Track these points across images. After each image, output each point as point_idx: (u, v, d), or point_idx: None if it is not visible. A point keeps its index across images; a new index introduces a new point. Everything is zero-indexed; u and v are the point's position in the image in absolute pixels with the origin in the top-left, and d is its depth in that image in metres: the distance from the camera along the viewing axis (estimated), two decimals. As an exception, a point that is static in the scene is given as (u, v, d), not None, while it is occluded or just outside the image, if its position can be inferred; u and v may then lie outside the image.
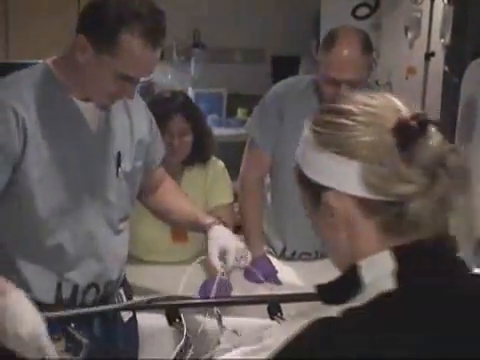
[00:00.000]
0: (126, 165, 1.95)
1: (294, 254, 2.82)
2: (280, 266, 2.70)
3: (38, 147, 1.76)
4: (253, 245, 2.63)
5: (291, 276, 2.67)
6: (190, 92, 4.79)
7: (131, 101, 1.93)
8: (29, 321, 1.54)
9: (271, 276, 2.59)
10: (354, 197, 1.01)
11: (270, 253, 2.79)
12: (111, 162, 1.91)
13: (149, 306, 1.94)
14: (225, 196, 2.69)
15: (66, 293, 1.86)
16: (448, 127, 3.39)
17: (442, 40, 3.55)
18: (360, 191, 1.00)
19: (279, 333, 1.01)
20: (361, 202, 1.01)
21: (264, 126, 2.69)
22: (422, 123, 0.99)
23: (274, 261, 2.71)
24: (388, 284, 0.99)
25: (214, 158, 2.70)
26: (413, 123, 0.99)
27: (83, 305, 1.87)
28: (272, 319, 1.92)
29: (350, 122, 1.02)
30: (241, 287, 2.45)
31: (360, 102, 1.04)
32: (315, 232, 1.13)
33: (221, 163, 2.72)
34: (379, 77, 3.75)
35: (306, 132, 1.09)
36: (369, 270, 1.00)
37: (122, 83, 1.76)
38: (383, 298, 0.98)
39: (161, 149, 2.17)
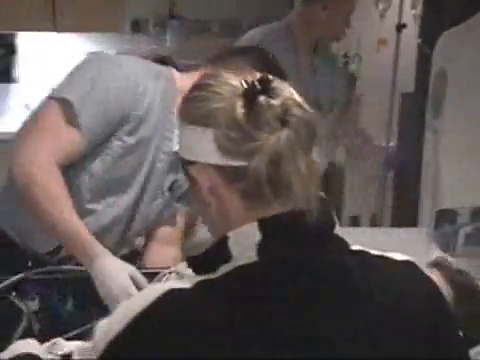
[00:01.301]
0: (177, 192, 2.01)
1: None
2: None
3: None
4: None
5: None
6: (166, 64, 4.75)
7: None
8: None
9: None
10: (214, 166, 1.02)
11: None
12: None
13: None
14: None
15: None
16: (422, 101, 3.37)
17: (413, 11, 3.51)
18: (218, 158, 1.01)
19: (140, 297, 1.02)
20: (221, 170, 1.02)
21: None
22: (264, 81, 1.00)
23: None
24: (252, 256, 0.99)
25: None
26: (256, 83, 1.00)
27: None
28: None
29: (205, 93, 1.05)
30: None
31: (220, 76, 1.06)
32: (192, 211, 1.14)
33: None
34: (348, 49, 3.72)
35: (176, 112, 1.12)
36: (236, 242, 1.00)
37: None
38: (238, 270, 0.98)
39: None
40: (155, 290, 0.99)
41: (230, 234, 1.01)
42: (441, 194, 3.28)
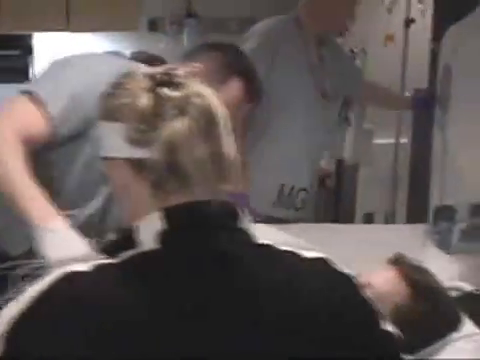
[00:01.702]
0: None
1: (292, 190, 2.86)
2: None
3: None
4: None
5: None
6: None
7: None
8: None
9: None
10: (125, 159, 1.05)
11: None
12: None
13: None
14: None
15: None
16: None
17: (420, 6, 3.47)
18: (128, 151, 1.04)
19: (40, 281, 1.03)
20: (132, 163, 1.04)
21: (256, 64, 2.72)
22: (168, 75, 1.05)
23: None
24: (154, 244, 1.01)
25: None
26: (159, 76, 1.05)
27: None
28: None
29: (115, 90, 1.10)
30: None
31: (132, 73, 1.10)
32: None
33: None
34: (354, 44, 3.68)
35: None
36: (141, 230, 1.03)
37: None
38: (139, 256, 1.01)
39: None
40: (54, 273, 1.01)
41: (136, 223, 1.04)
42: (448, 190, 3.24)
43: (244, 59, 1.95)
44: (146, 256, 1.01)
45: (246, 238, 1.07)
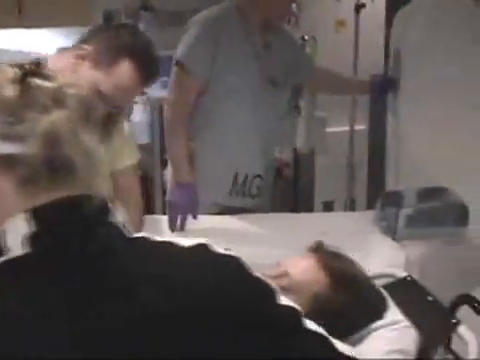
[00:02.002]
0: None
1: (246, 177, 2.86)
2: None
3: None
4: (179, 172, 2.77)
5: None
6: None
7: None
8: None
9: (189, 207, 2.68)
10: None
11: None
12: None
13: None
14: (132, 156, 2.66)
15: None
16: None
17: (368, -10, 3.44)
18: None
19: None
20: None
21: (198, 53, 2.72)
22: (37, 65, 1.00)
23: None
24: (24, 248, 0.95)
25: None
26: (27, 66, 1.00)
27: None
28: None
29: None
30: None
31: (2, 65, 1.04)
32: None
33: (127, 123, 2.69)
34: (304, 32, 3.64)
35: None
36: (10, 234, 0.96)
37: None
38: (7, 263, 0.95)
39: None
40: None
41: (5, 227, 0.97)
42: (402, 176, 3.24)
43: (139, 40, 1.88)
44: (14, 263, 0.95)
45: (118, 232, 1.03)
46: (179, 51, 2.77)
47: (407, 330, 1.56)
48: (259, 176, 2.92)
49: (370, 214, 2.74)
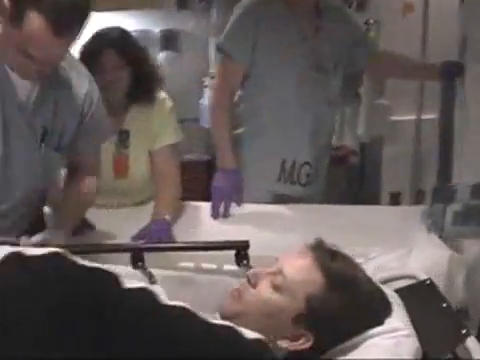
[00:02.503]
0: (52, 141, 1.98)
1: (294, 165, 2.81)
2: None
3: None
4: (223, 158, 2.76)
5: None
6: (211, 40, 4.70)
7: (73, 76, 1.97)
8: None
9: (232, 192, 2.68)
10: None
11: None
12: (35, 135, 1.95)
13: (114, 250, 2.01)
14: (171, 136, 2.72)
15: None
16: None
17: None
18: None
19: None
20: None
21: (239, 39, 2.70)
22: None
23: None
24: None
25: (164, 97, 2.74)
26: None
27: None
28: (134, 268, 1.91)
29: None
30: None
31: None
32: None
33: (169, 102, 2.77)
34: (369, 16, 3.50)
35: None
36: None
37: (24, 59, 1.74)
38: None
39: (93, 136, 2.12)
40: None
41: None
42: (466, 168, 3.09)
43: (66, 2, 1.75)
44: None
45: None
46: (221, 37, 2.75)
47: (405, 339, 1.46)
48: (307, 163, 2.84)
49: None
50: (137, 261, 1.94)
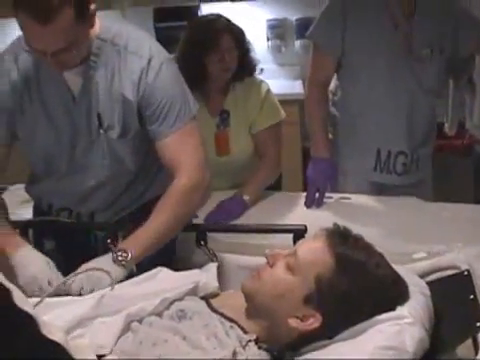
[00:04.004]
0: (111, 126, 2.07)
1: (390, 154, 2.83)
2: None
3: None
4: (317, 147, 2.81)
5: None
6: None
7: (120, 64, 2.02)
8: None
9: (326, 181, 2.77)
10: None
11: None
12: (92, 124, 2.08)
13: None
14: (267, 119, 2.87)
15: None
16: None
17: None
18: None
19: None
20: None
21: (327, 31, 2.74)
22: None
23: None
24: None
25: (260, 80, 2.94)
26: None
27: None
28: (198, 247, 2.08)
29: None
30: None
31: None
32: None
33: (265, 85, 2.93)
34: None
35: None
36: None
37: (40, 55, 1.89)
38: None
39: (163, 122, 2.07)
40: None
41: None
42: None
43: None
44: None
45: None
46: (311, 28, 2.78)
47: (409, 327, 1.49)
48: (403, 153, 2.83)
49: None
50: (200, 240, 2.07)
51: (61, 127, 2.08)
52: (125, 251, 1.89)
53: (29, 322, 1.11)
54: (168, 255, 2.12)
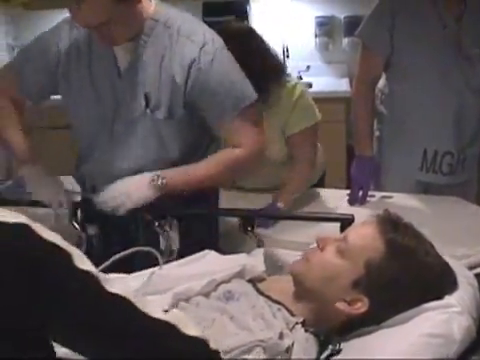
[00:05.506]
0: (157, 106, 2.08)
1: (436, 154, 2.81)
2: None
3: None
4: (361, 145, 2.83)
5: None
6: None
7: (171, 46, 2.05)
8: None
9: (369, 180, 2.77)
10: None
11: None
12: (136, 102, 2.09)
13: (228, 214, 2.26)
14: (301, 122, 2.75)
15: None
16: None
17: None
18: None
19: None
20: None
21: (376, 30, 2.76)
22: None
23: None
24: None
25: (293, 83, 2.78)
26: None
27: None
28: (244, 233, 2.11)
29: None
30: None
31: None
32: None
33: (301, 85, 2.82)
34: None
35: None
36: None
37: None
38: None
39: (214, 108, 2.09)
40: None
41: None
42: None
43: None
44: None
45: None
46: (360, 27, 2.78)
47: (457, 316, 1.49)
48: (449, 153, 2.82)
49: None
50: (247, 226, 2.09)
51: (104, 100, 2.13)
52: (163, 178, 2.03)
53: (93, 281, 1.14)
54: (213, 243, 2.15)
